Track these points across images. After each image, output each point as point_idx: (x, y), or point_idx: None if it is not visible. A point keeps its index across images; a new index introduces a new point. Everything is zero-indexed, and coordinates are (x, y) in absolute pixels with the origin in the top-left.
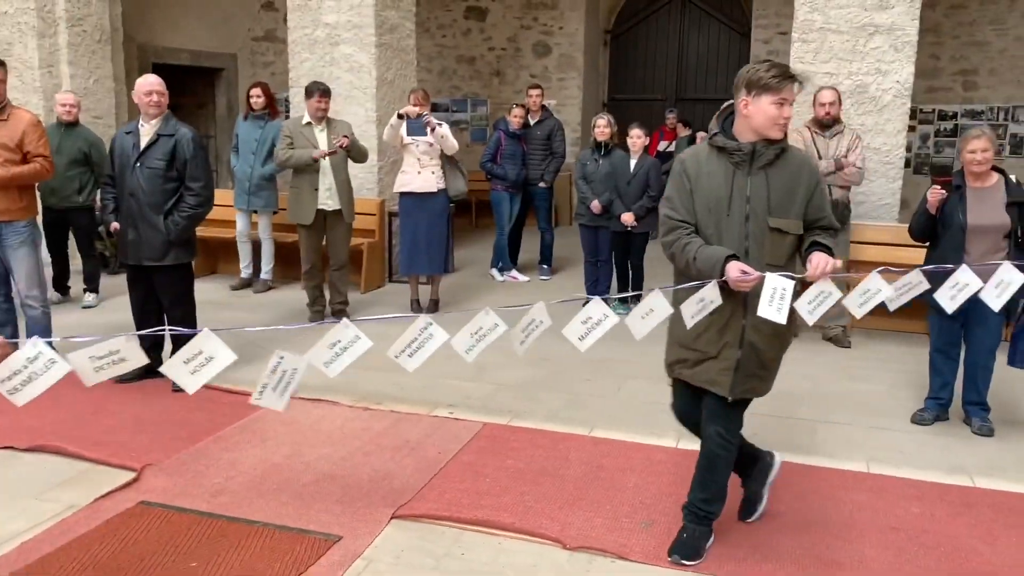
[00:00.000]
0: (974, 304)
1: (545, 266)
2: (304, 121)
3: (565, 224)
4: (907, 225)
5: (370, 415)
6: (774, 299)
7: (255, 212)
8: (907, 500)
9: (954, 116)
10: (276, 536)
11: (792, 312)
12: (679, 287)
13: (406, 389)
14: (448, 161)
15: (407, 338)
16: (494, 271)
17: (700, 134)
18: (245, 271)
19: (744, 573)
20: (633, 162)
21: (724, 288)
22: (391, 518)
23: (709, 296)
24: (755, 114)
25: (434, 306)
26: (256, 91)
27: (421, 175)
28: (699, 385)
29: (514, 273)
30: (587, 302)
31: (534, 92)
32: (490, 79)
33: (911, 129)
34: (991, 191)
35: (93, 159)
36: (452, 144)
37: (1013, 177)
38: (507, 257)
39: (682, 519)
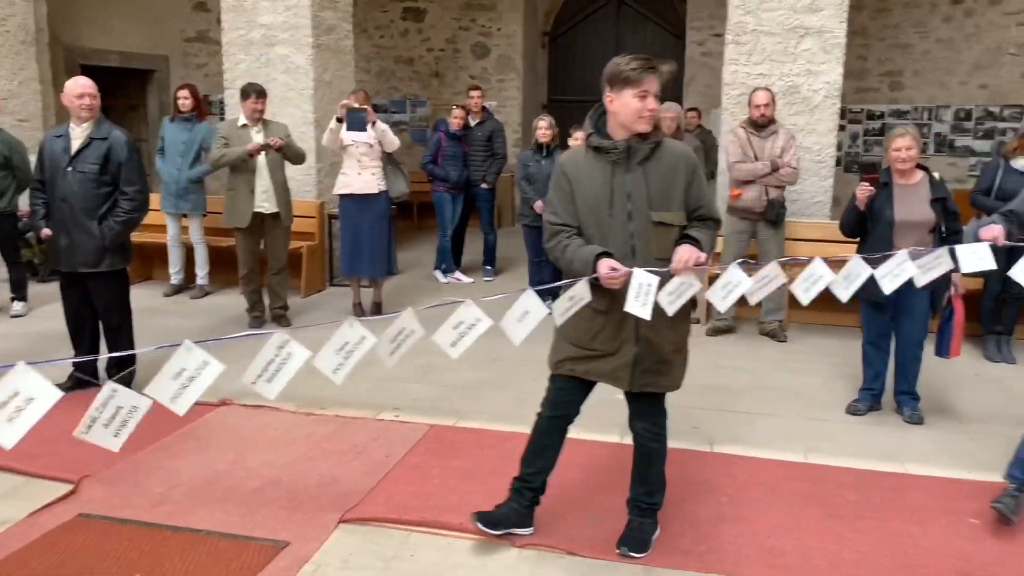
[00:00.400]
0: (902, 297)
1: (489, 267)
2: (240, 123)
3: (508, 225)
4: (838, 222)
5: (314, 420)
6: (640, 294)
7: (184, 216)
8: (844, 488)
9: (881, 116)
10: (222, 544)
11: (690, 306)
12: (558, 284)
13: (350, 393)
14: (389, 162)
15: (263, 360)
16: (437, 273)
17: None
18: (176, 277)
19: (689, 563)
20: None
21: (599, 286)
22: (339, 522)
23: (579, 293)
24: (620, 109)
25: (377, 309)
26: (184, 93)
27: (361, 176)
28: (595, 380)
29: (458, 275)
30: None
31: (475, 94)
32: (429, 80)
33: (841, 128)
34: (916, 188)
35: (14, 163)
36: (392, 140)
37: (936, 175)
38: (450, 259)
39: (628, 513)
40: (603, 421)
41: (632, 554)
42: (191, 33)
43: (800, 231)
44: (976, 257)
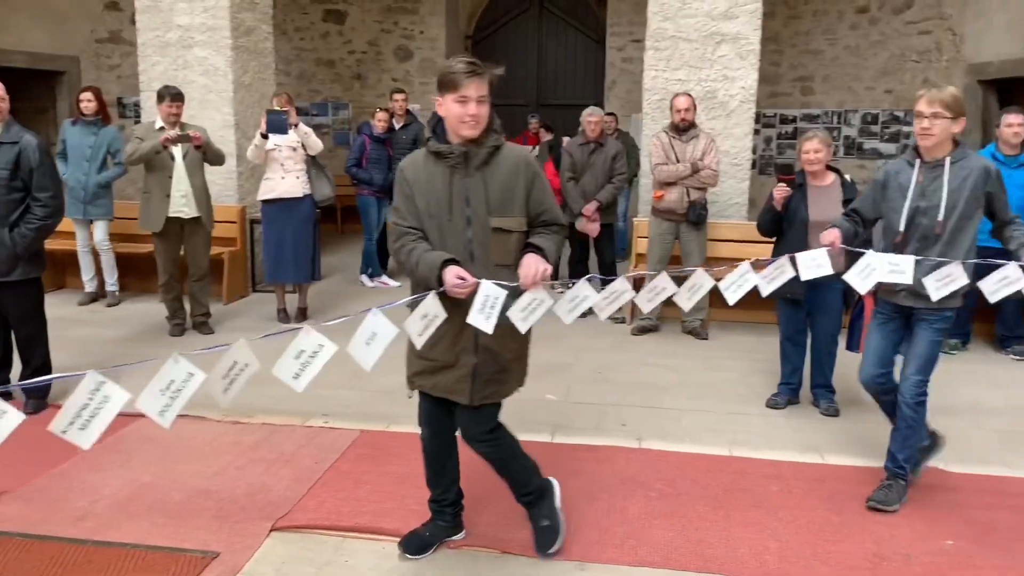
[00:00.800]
0: (817, 295)
1: None
2: (157, 126)
3: None
4: (755, 222)
5: (241, 429)
6: (484, 307)
7: (91, 222)
8: (766, 479)
9: (794, 120)
10: (149, 557)
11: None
12: (412, 298)
13: (277, 401)
14: (313, 165)
15: (76, 404)
16: (364, 277)
17: (565, 139)
18: (89, 285)
19: (621, 558)
20: None
21: (447, 296)
22: (270, 531)
23: (432, 310)
24: (446, 114)
25: (302, 315)
26: (87, 95)
27: (285, 180)
28: (440, 395)
29: (384, 278)
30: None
31: (399, 97)
32: (351, 83)
33: (756, 132)
34: (829, 189)
35: None
36: (315, 143)
37: (848, 176)
38: (376, 263)
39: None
40: (534, 420)
41: (551, 551)
42: (103, 33)
43: (720, 232)
44: (815, 263)
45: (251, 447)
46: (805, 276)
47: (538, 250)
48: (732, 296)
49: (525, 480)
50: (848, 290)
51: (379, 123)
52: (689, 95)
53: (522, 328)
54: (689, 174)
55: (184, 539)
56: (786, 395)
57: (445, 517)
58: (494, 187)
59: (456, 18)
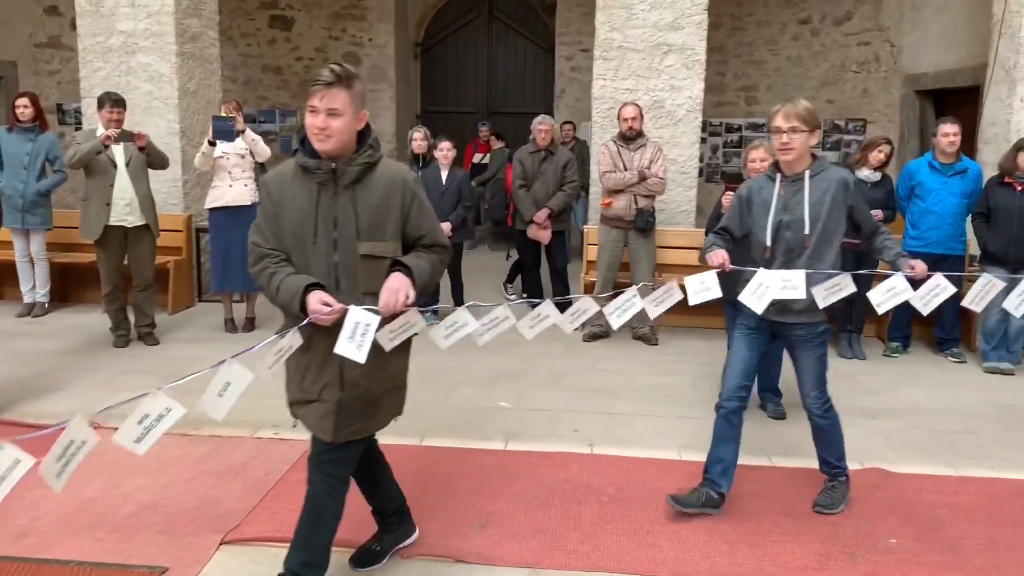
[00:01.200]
0: None
1: None
2: (99, 133)
3: None
4: (703, 229)
5: (189, 441)
6: (355, 335)
7: (30, 231)
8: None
9: (739, 128)
10: (94, 574)
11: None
12: (286, 329)
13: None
14: (262, 173)
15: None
16: None
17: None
18: (28, 295)
19: (574, 563)
20: (445, 174)
21: (313, 323)
22: (220, 544)
23: (289, 342)
24: None
25: (250, 324)
26: (23, 101)
27: (233, 188)
28: (309, 430)
29: None
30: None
31: None
32: (299, 89)
33: (702, 141)
34: None
35: None
36: (263, 149)
37: None
38: None
39: None
40: (488, 428)
41: None
42: (42, 38)
43: (668, 239)
44: (703, 287)
45: (200, 459)
46: (694, 300)
47: (405, 269)
48: (616, 321)
49: (318, 557)
50: None
51: None
52: (636, 104)
53: (387, 347)
54: (636, 182)
55: (131, 555)
56: None
57: (391, 527)
58: (365, 209)
59: (405, 25)
